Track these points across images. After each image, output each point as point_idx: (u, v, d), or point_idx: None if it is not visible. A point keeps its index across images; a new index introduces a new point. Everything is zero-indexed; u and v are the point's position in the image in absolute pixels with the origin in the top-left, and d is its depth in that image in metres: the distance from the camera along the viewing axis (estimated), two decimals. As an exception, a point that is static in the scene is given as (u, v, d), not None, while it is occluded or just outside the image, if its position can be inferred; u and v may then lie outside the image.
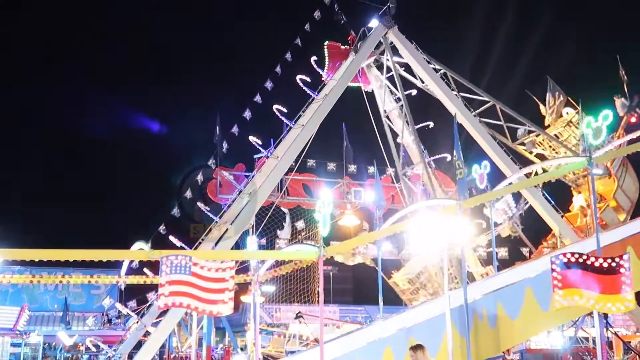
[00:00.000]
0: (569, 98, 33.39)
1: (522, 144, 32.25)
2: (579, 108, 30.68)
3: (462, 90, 30.16)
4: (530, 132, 32.02)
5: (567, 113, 33.54)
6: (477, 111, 30.06)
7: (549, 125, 33.69)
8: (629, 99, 32.29)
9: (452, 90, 29.81)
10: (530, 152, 32.23)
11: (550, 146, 32.50)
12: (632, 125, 32.55)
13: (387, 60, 30.73)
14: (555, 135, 32.95)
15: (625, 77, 32.78)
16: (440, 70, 30.09)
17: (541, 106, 34.21)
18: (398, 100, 31.97)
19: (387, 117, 32.17)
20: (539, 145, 32.73)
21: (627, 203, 32.47)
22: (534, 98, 34.53)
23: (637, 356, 28.78)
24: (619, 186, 32.46)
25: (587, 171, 32.31)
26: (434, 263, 29.65)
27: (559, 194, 32.08)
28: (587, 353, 27.90)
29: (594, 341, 22.73)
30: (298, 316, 30.94)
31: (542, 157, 32.03)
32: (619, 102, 32.26)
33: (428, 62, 30.01)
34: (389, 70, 31.16)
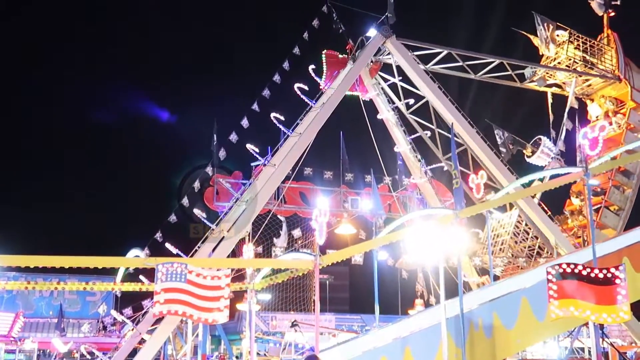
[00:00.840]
0: (558, 23, 34.23)
1: (532, 81, 33.19)
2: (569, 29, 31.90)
3: (467, 60, 30.90)
4: (535, 71, 32.82)
5: (557, 35, 34.30)
6: (484, 71, 31.03)
7: (543, 56, 34.77)
8: None
9: (449, 99, 29.87)
10: (546, 86, 33.58)
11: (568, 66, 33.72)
12: (611, 17, 34.75)
13: (394, 62, 30.86)
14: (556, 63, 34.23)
15: None
16: (437, 83, 30.19)
17: (532, 38, 34.93)
18: (395, 109, 32.08)
19: (379, 127, 32.31)
20: (549, 77, 33.95)
21: None
22: (524, 33, 35.48)
23: (633, 367, 28.77)
24: (632, 87, 33.54)
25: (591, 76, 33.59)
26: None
27: (554, 198, 32.31)
28: (583, 364, 27.88)
29: (589, 352, 22.71)
30: (294, 324, 30.86)
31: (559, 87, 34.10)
32: (594, 3, 32.93)
33: (426, 72, 30.07)
34: (385, 79, 31.27)
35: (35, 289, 38.42)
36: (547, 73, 33.83)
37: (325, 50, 32.37)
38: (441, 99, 29.61)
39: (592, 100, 35.72)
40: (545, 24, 33.95)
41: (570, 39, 34.02)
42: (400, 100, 32.09)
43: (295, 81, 29.85)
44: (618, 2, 33.95)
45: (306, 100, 29.52)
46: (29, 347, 38.93)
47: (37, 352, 41.07)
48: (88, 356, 35.02)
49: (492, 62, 31.22)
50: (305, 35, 30.31)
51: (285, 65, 29.68)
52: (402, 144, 32.16)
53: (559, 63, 34.35)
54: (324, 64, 32.14)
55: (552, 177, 19.49)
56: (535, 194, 28.16)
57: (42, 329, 53.67)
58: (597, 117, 35.16)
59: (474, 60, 31.24)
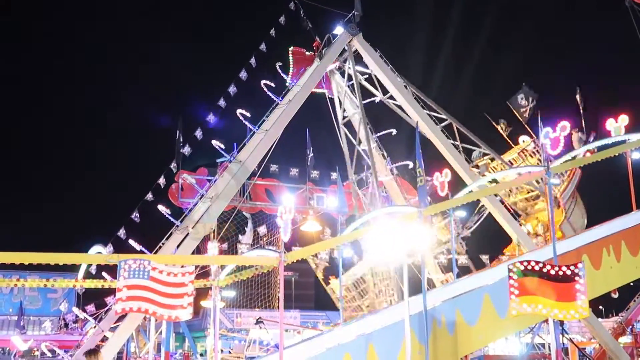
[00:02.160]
0: (526, 125, 33.62)
1: (476, 166, 32.47)
2: (534, 137, 31.08)
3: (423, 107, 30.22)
4: (484, 154, 32.28)
5: (522, 141, 33.84)
6: (439, 126, 30.16)
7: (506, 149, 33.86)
8: (585, 133, 32.30)
9: (415, 99, 30.07)
10: (483, 175, 32.13)
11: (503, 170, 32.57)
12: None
13: (349, 67, 30.90)
14: (510, 161, 33.20)
15: (583, 104, 32.82)
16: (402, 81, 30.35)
17: (498, 127, 34.54)
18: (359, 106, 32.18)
19: (345, 124, 32.31)
20: (492, 169, 32.80)
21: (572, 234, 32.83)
22: (490, 119, 34.85)
23: (592, 363, 29.35)
24: (565, 217, 32.62)
25: (538, 198, 32.84)
26: (378, 271, 29.88)
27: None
28: (543, 359, 28.39)
29: (550, 347, 23.14)
30: (258, 321, 30.80)
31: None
32: (575, 135, 32.10)
33: (392, 71, 30.23)
34: (350, 77, 31.31)
35: (-5, 285, 37.60)
36: (493, 169, 32.80)
37: (292, 47, 32.35)
38: (406, 97, 29.81)
39: (527, 221, 34.07)
40: (530, 98, 33.10)
41: (534, 150, 32.75)
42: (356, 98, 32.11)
43: (261, 78, 29.77)
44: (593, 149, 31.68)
45: (272, 96, 29.47)
46: (-12, 345, 38.23)
47: (-4, 350, 40.35)
48: (49, 354, 34.44)
49: (444, 119, 29.99)
50: (272, 31, 30.23)
51: (252, 61, 29.56)
52: (365, 142, 32.29)
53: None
54: (291, 60, 32.12)
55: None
56: (497, 193, 28.50)
57: (1, 326, 52.77)
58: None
59: (429, 109, 30.13)
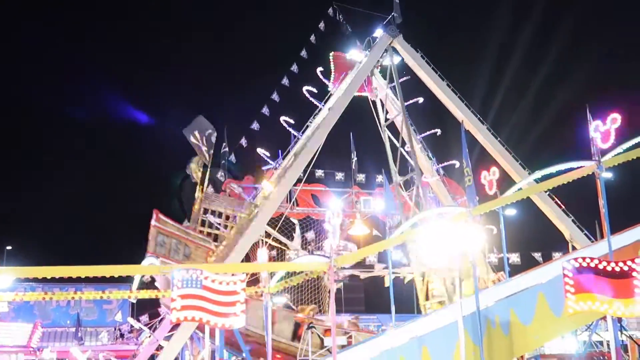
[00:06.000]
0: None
1: None
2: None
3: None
4: None
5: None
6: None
7: None
8: None
9: (459, 96, 29.81)
10: None
11: None
12: None
13: (391, 65, 30.68)
14: None
15: None
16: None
17: None
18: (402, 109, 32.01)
19: (389, 126, 32.14)
20: None
21: None
22: None
23: (653, 359, 28.55)
24: None
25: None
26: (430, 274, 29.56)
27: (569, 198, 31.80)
28: (602, 357, 27.69)
29: (608, 345, 22.57)
30: (310, 327, 30.79)
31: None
32: None
33: (434, 71, 30.04)
34: (392, 79, 31.18)
35: (53, 299, 38.61)
36: None
37: (332, 52, 32.40)
38: (450, 97, 29.57)
39: None
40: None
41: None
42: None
43: (303, 84, 29.91)
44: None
45: (315, 102, 29.57)
46: (48, 357, 39.11)
47: (56, 361, 41.27)
48: (107, 364, 35.22)
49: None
50: (312, 37, 30.36)
51: (294, 68, 29.74)
52: (413, 143, 32.07)
53: None
54: (332, 65, 32.17)
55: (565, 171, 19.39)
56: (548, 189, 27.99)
57: (60, 338, 53.96)
58: None
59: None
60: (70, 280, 15.37)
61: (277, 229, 29.30)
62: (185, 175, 27.96)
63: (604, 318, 19.39)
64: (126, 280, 23.30)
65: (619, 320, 15.90)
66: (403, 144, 31.14)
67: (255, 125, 28.64)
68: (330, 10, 31.34)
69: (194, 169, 27.12)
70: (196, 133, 25.48)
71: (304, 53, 30.04)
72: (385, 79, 31.88)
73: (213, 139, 25.56)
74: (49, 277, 13.95)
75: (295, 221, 31.64)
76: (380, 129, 32.18)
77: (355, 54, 30.52)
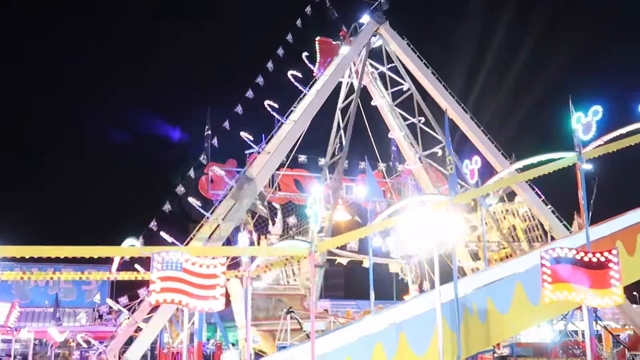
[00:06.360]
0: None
1: None
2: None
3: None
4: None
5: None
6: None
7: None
8: None
9: (443, 85, 29.88)
10: None
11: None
12: None
13: (383, 49, 30.68)
14: None
15: None
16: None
17: None
18: (388, 95, 32.02)
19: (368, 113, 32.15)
20: None
21: None
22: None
23: (626, 349, 29.02)
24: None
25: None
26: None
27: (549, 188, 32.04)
28: (576, 346, 28.11)
29: (583, 335, 22.93)
30: (289, 311, 30.85)
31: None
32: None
33: (420, 58, 30.05)
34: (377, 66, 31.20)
35: (31, 279, 38.41)
36: None
37: (318, 37, 32.27)
38: (435, 85, 29.62)
39: None
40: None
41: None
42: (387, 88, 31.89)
43: (288, 68, 29.78)
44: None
45: (300, 87, 29.48)
46: (25, 337, 38.91)
47: (34, 341, 41.04)
48: (84, 345, 35.07)
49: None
50: (299, 22, 30.20)
51: (279, 52, 29.58)
52: (396, 130, 32.15)
53: None
54: (317, 50, 32.05)
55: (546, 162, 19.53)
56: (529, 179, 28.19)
57: (38, 318, 53.74)
58: None
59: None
60: (49, 260, 15.23)
61: (258, 213, 29.23)
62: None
63: (580, 308, 19.67)
64: (106, 261, 23.18)
65: (594, 310, 16.12)
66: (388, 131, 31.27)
67: (239, 109, 28.49)
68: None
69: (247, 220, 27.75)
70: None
71: (289, 37, 29.89)
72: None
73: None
74: (27, 257, 13.84)
75: (277, 206, 31.62)
76: (364, 116, 32.15)
77: (345, 49, 30.39)
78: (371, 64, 32.21)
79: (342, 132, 30.82)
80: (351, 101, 30.60)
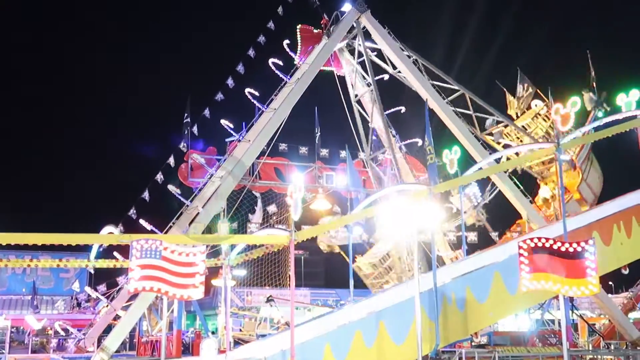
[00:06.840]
0: (538, 90, 33.44)
1: (490, 134, 32.40)
2: (548, 100, 30.83)
3: (433, 78, 30.12)
4: (498, 122, 32.18)
5: (535, 105, 33.66)
6: (447, 99, 30.02)
7: (516, 116, 33.87)
8: (596, 94, 32.35)
9: (424, 76, 29.88)
10: (498, 143, 32.22)
11: (517, 137, 32.59)
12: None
13: (359, 44, 30.69)
14: (523, 126, 33.09)
15: (593, 73, 32.79)
16: (412, 57, 30.13)
17: (508, 96, 34.35)
18: (369, 84, 31.93)
19: (359, 101, 32.19)
20: (506, 135, 32.83)
21: (591, 196, 32.68)
22: (502, 88, 34.62)
23: (602, 338, 29.45)
24: (583, 179, 32.53)
25: (553, 162, 32.68)
26: (399, 248, 29.82)
27: (526, 184, 32.31)
28: (552, 335, 28.48)
29: (559, 323, 23.23)
30: (269, 300, 30.96)
31: (509, 147, 32.06)
32: (586, 96, 32.19)
33: (401, 49, 30.03)
34: (360, 54, 31.11)
35: (8, 266, 38.07)
36: (507, 135, 32.67)
37: (299, 25, 32.12)
38: (414, 73, 29.62)
39: (546, 183, 33.72)
40: (526, 85, 32.93)
41: (545, 115, 32.41)
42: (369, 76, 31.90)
43: (270, 56, 29.65)
44: (607, 109, 30.98)
45: (281, 75, 29.36)
46: (2, 324, 38.64)
47: (11, 329, 40.74)
48: (62, 333, 34.86)
49: (457, 90, 30.12)
50: (280, 9, 30.04)
51: (261, 39, 29.42)
52: (377, 120, 32.14)
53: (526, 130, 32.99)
54: (299, 38, 31.93)
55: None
56: (508, 169, 28.39)
57: (15, 306, 53.32)
58: (543, 199, 33.42)
59: (440, 81, 30.12)
60: (26, 247, 15.13)
61: (238, 202, 29.16)
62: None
63: (557, 297, 19.91)
64: (84, 249, 23.04)
65: (571, 299, 16.36)
66: (370, 120, 31.23)
67: (219, 96, 28.33)
68: (299, -18, 31.02)
69: None
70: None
71: (271, 25, 29.72)
72: (353, 54, 31.84)
73: None
74: (4, 244, 13.72)
75: (257, 194, 31.54)
76: (345, 105, 32.15)
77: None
78: (351, 53, 32.11)
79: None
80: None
